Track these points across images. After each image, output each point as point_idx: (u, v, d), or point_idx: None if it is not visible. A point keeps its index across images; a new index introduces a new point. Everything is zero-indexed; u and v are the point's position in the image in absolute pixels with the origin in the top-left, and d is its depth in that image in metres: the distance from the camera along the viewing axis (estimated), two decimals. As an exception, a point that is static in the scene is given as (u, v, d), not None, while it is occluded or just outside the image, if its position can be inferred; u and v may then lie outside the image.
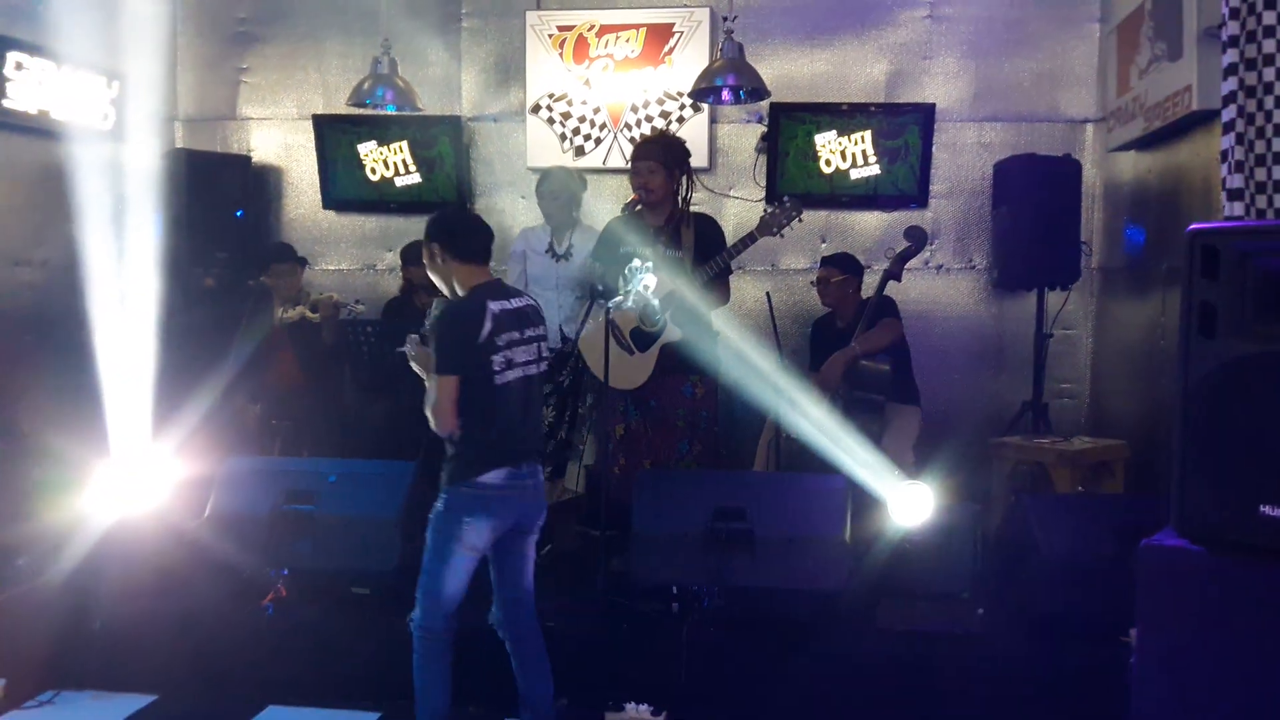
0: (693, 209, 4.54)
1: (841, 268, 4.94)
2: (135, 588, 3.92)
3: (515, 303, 3.22)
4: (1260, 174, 3.24)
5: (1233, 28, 3.27)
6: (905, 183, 5.63)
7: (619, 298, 3.90)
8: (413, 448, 4.86)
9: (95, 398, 4.37)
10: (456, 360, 3.05)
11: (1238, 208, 3.28)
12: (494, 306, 3.12)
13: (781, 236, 4.36)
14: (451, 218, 3.41)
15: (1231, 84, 3.28)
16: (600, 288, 4.21)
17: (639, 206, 4.37)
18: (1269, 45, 3.19)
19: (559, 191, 4.82)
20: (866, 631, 3.69)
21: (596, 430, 4.40)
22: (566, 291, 4.84)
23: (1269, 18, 3.19)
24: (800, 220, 4.35)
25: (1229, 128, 3.30)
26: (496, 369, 3.09)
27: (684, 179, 4.46)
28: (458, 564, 3.12)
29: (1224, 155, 3.34)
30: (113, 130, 5.32)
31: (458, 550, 3.11)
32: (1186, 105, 4.18)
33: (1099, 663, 3.37)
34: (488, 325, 3.07)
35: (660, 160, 4.36)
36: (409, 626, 3.20)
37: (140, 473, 4.04)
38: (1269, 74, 3.19)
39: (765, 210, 4.36)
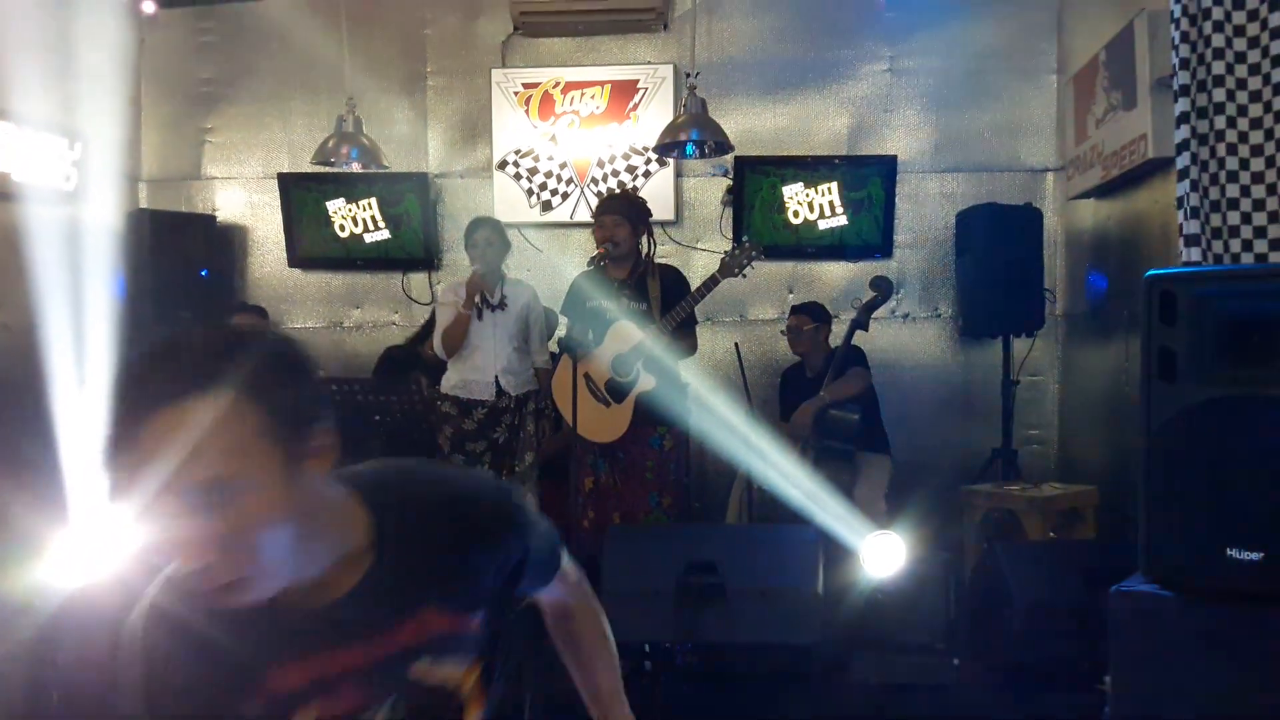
0: (658, 261, 4.56)
1: (812, 315, 4.97)
2: (94, 658, 3.81)
3: None
4: (1215, 220, 3.29)
5: (1183, 77, 3.33)
6: (870, 233, 5.68)
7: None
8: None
9: (54, 463, 4.29)
10: None
11: (1195, 253, 3.31)
12: None
13: (744, 276, 4.37)
14: None
15: (1184, 132, 3.34)
16: (569, 342, 4.23)
17: (604, 261, 4.38)
18: (1218, 94, 3.26)
19: (494, 239, 4.70)
20: (842, 685, 3.65)
21: (570, 482, 4.35)
22: (504, 341, 4.67)
23: (1218, 67, 3.25)
24: (762, 258, 4.36)
25: (1184, 174, 3.35)
26: None
27: (647, 235, 4.49)
28: None
29: (1180, 202, 3.39)
30: (75, 191, 5.28)
31: None
32: (1143, 153, 4.25)
33: (1075, 710, 3.34)
34: None
35: (625, 214, 4.39)
36: None
37: (100, 541, 3.96)
38: (1219, 122, 3.25)
39: (725, 253, 4.38)
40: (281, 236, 6.05)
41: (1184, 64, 3.33)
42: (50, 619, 3.78)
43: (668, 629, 3.63)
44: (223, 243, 6.07)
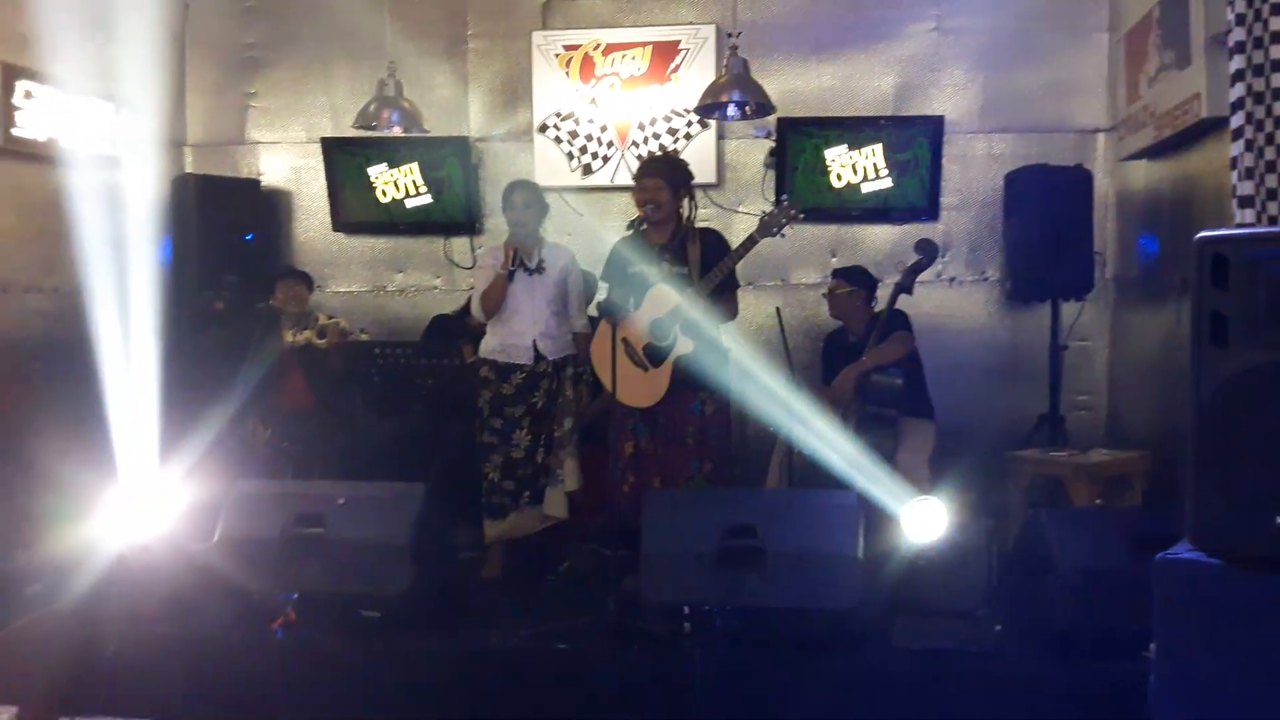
0: (699, 225, 4.53)
1: (849, 279, 4.92)
2: (145, 613, 3.90)
3: None
4: (1271, 180, 3.20)
5: (1239, 34, 3.24)
6: (916, 195, 5.60)
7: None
8: (424, 468, 4.85)
9: (104, 423, 4.37)
10: None
11: (1249, 215, 3.24)
12: None
13: (782, 236, 4.31)
14: None
15: (1239, 90, 3.25)
16: (608, 307, 4.22)
17: (644, 225, 4.35)
18: (1276, 51, 3.16)
19: (532, 201, 4.64)
20: (881, 650, 3.63)
21: (610, 447, 4.36)
22: (542, 305, 4.63)
23: (1276, 23, 3.16)
24: (801, 218, 4.31)
25: (1238, 134, 3.27)
26: None
27: (688, 198, 4.45)
28: None
29: (1234, 162, 3.31)
30: (122, 157, 5.35)
31: None
32: (1196, 113, 4.14)
33: (1119, 678, 3.30)
34: None
35: (666, 178, 4.37)
36: None
37: (149, 498, 4.04)
38: (1277, 80, 3.16)
39: (763, 212, 4.34)
40: (325, 201, 6.08)
41: (1240, 20, 3.25)
42: (102, 576, 3.87)
43: (707, 592, 3.63)
44: (268, 207, 6.13)
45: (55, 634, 3.78)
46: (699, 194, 4.79)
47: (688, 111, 5.63)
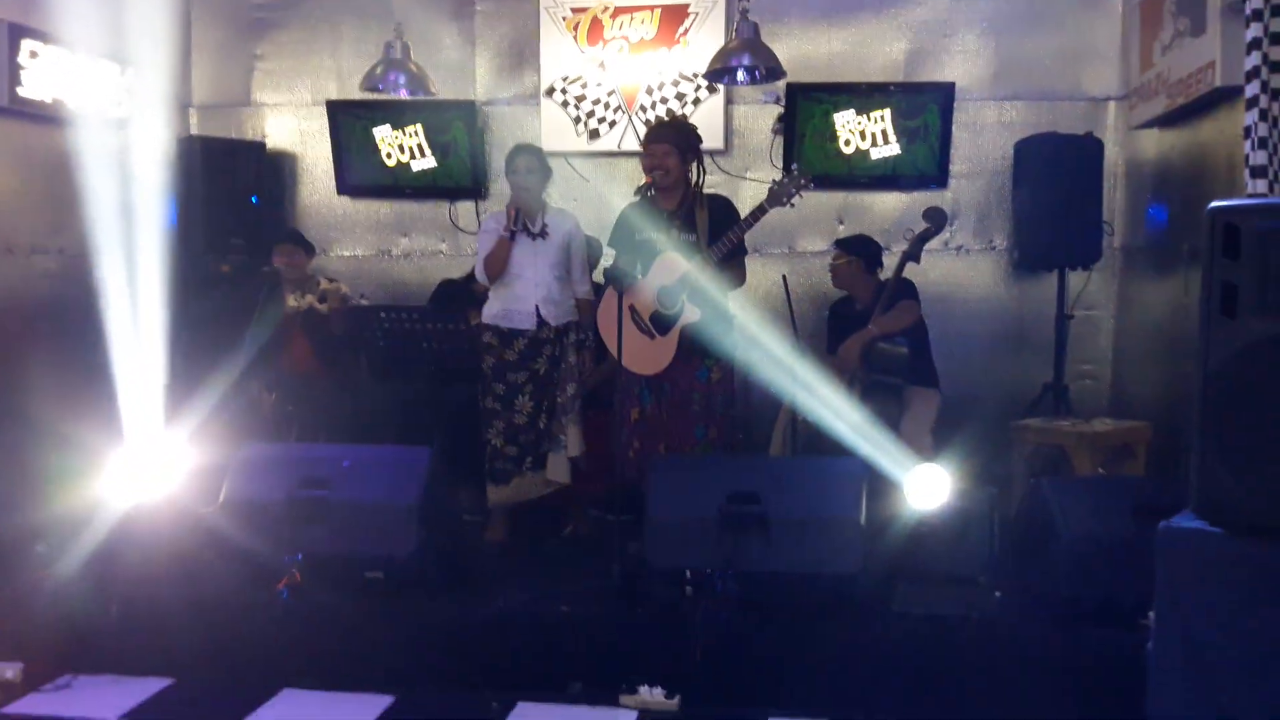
0: (707, 191, 4.50)
1: (848, 249, 4.90)
2: (150, 573, 3.92)
3: None
4: (1284, 150, 3.18)
5: (1256, 1, 3.20)
6: (925, 163, 5.56)
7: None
8: (428, 433, 4.86)
9: (110, 385, 4.38)
10: None
11: (1261, 185, 3.22)
12: None
13: (792, 206, 4.28)
14: None
15: (1254, 59, 3.22)
16: (615, 273, 4.21)
17: (652, 191, 4.33)
18: (1293, 18, 3.13)
19: (535, 165, 4.60)
20: (882, 615, 3.64)
21: (616, 413, 4.36)
22: (546, 270, 4.60)
23: (1294, -11, 3.12)
24: (811, 187, 4.28)
25: (1252, 103, 3.24)
26: None
27: (696, 164, 4.42)
28: None
29: (1247, 132, 3.28)
30: (127, 118, 5.33)
31: None
32: (1210, 82, 4.11)
33: (1118, 646, 3.32)
34: None
35: (674, 143, 4.32)
36: None
37: (155, 459, 4.05)
38: (1294, 47, 3.13)
39: (773, 181, 4.31)
40: (330, 164, 6.05)
41: (1258, -14, 3.20)
42: (109, 535, 3.89)
43: (710, 557, 3.64)
44: (273, 170, 6.10)
45: (61, 592, 3.81)
46: (706, 160, 4.76)
47: (696, 76, 5.59)
